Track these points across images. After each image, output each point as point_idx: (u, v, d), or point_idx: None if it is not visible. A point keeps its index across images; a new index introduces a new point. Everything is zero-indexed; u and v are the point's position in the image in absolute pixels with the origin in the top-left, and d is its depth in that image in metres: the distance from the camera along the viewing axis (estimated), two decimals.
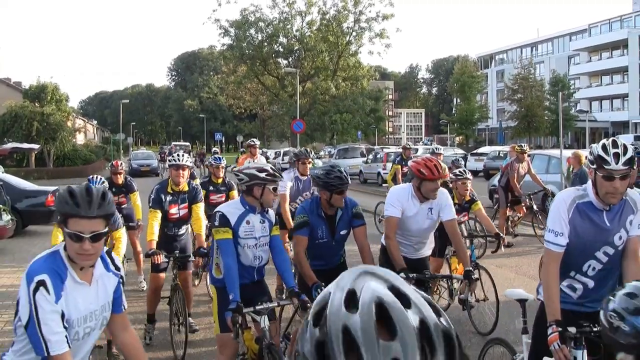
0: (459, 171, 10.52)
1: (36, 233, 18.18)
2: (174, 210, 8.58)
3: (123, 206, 11.76)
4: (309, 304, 5.48)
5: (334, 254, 6.84)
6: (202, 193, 9.25)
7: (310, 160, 10.41)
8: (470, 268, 6.77)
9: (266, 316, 5.66)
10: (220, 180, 11.24)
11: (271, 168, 5.93)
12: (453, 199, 9.16)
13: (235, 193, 11.05)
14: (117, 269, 3.77)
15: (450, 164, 14.21)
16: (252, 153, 15.63)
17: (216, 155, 12.15)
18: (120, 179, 11.94)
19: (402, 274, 5.90)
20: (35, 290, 3.24)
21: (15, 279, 12.17)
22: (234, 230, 5.78)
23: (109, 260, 3.74)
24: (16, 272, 12.74)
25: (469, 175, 10.40)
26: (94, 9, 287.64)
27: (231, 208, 5.97)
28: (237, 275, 5.61)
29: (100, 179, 7.58)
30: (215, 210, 6.06)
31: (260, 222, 5.94)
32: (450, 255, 9.79)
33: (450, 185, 10.31)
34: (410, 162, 6.54)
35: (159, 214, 8.30)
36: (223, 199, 10.79)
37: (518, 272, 12.46)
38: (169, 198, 8.52)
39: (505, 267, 12.72)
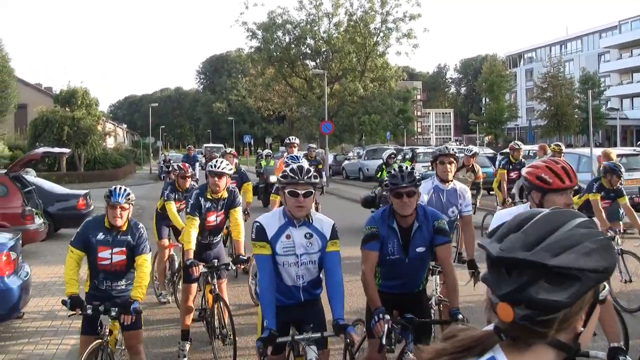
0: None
1: (68, 236, 18.22)
2: (211, 217, 8.05)
3: (181, 213, 10.97)
4: (356, 340, 4.80)
5: (411, 276, 5.73)
6: (239, 197, 8.62)
7: (454, 160, 7.57)
8: None
9: (313, 347, 4.97)
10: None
11: (291, 169, 5.04)
12: None
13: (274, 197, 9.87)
14: None
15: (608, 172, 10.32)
16: (289, 153, 13.43)
17: (293, 155, 10.98)
18: (187, 184, 10.91)
19: None
20: None
21: (47, 281, 12.31)
22: (271, 245, 5.04)
23: None
24: (48, 274, 12.89)
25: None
26: (124, 14, 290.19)
27: (272, 219, 5.16)
28: (273, 297, 4.92)
29: (125, 190, 6.43)
30: (255, 220, 5.24)
31: (305, 236, 5.10)
32: None
33: None
34: (525, 170, 4.63)
35: (197, 221, 7.76)
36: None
37: None
38: (207, 204, 7.97)
39: None
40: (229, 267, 8.03)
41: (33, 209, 15.52)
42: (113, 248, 6.35)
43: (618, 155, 16.23)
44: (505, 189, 14.04)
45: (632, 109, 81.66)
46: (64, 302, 6.16)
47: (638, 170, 20.01)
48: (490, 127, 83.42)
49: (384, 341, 4.99)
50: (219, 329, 7.82)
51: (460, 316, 5.20)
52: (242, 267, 8.78)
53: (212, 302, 7.91)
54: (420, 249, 5.52)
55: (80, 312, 6.11)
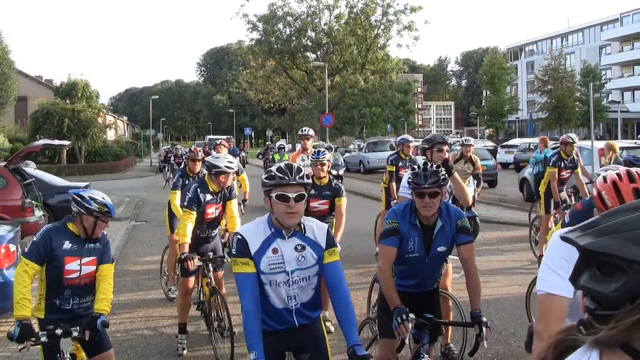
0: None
1: None
2: (211, 210, 7.95)
3: None
4: None
5: (428, 275, 5.45)
6: (235, 189, 8.57)
7: (447, 148, 7.73)
8: None
9: None
10: (325, 181, 8.89)
11: (278, 168, 4.15)
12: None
13: (343, 201, 8.85)
14: None
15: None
16: (303, 147, 12.38)
17: (319, 149, 9.43)
18: (198, 168, 10.49)
19: None
20: None
21: None
22: (254, 262, 4.14)
23: None
24: None
25: None
26: (124, 6, 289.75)
27: (255, 230, 4.24)
28: (259, 325, 4.08)
29: (107, 199, 5.59)
30: (236, 231, 4.43)
31: (296, 249, 4.20)
32: None
33: None
34: (599, 179, 3.50)
35: (194, 215, 7.66)
36: (326, 206, 8.91)
37: None
38: (208, 197, 7.85)
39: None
40: (225, 259, 7.98)
41: (33, 202, 15.49)
42: (82, 258, 5.45)
43: (620, 148, 16.08)
44: (557, 191, 12.01)
45: (633, 101, 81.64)
46: (9, 336, 5.02)
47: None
48: (491, 120, 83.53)
49: (407, 342, 4.83)
50: (217, 322, 7.79)
51: (483, 319, 4.82)
52: None
53: (209, 295, 7.90)
54: (441, 248, 5.25)
55: (33, 343, 5.03)
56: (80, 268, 5.43)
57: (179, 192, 10.05)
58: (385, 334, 5.28)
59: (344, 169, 27.11)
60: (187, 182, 10.24)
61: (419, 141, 44.64)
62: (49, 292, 5.46)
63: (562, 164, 12.26)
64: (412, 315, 4.79)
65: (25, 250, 5.39)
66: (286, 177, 4.06)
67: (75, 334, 5.13)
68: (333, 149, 27.66)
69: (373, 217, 14.58)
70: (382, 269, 5.13)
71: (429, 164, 5.13)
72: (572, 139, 12.54)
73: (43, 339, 5.06)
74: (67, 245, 5.40)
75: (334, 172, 23.30)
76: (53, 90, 55.29)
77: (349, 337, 4.12)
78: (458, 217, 5.25)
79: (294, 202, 4.05)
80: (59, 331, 5.10)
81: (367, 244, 13.79)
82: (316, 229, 4.31)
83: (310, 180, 4.27)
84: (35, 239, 5.43)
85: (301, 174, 4.12)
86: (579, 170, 12.38)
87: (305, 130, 12.48)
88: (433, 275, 5.52)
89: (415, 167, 5.19)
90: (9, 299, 8.50)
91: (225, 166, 7.68)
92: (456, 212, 5.32)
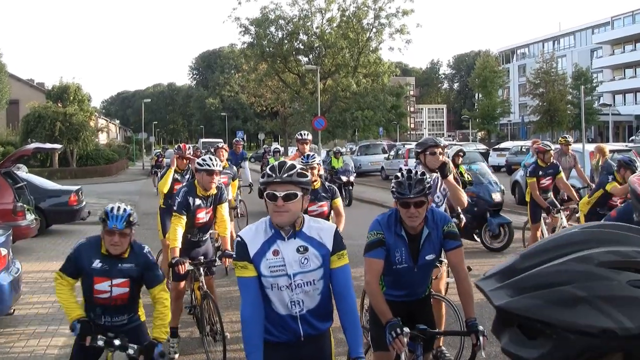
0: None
1: (59, 232, 18.29)
2: (201, 214, 7.95)
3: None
4: None
5: (418, 283, 5.30)
6: (227, 193, 8.66)
7: (442, 151, 7.56)
8: None
9: None
10: (317, 185, 8.44)
11: (271, 167, 4.02)
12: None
13: (339, 202, 8.72)
14: None
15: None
16: (301, 152, 11.59)
17: (309, 153, 9.21)
18: (184, 165, 10.92)
19: None
20: None
21: (39, 277, 12.25)
22: (255, 265, 3.97)
23: None
24: (40, 271, 12.83)
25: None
26: (116, 9, 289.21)
27: (255, 232, 4.07)
28: (259, 332, 3.94)
29: (125, 210, 5.26)
30: (238, 234, 4.19)
31: (298, 250, 4.00)
32: None
33: None
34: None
35: (184, 220, 7.63)
36: (325, 208, 8.50)
37: None
38: (197, 202, 7.85)
39: None
40: (215, 263, 7.96)
41: (24, 205, 15.45)
42: (113, 279, 5.16)
43: (610, 151, 16.11)
44: (541, 199, 11.83)
45: (624, 104, 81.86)
46: (72, 328, 5.08)
47: None
48: (483, 123, 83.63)
49: (404, 358, 4.65)
50: (209, 326, 7.78)
51: (480, 328, 4.67)
52: (228, 262, 8.58)
53: (201, 299, 7.88)
54: (430, 257, 5.10)
55: (90, 342, 4.97)
56: (111, 289, 5.18)
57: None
58: (378, 347, 5.12)
59: (355, 174, 26.80)
60: (176, 176, 10.87)
61: (410, 144, 44.77)
62: (86, 305, 5.32)
63: (541, 172, 12.07)
64: (406, 330, 4.57)
65: (62, 265, 5.31)
66: (273, 175, 3.93)
67: (131, 351, 4.99)
68: (342, 154, 27.51)
69: (365, 219, 14.54)
70: (370, 282, 4.94)
71: (414, 172, 4.90)
72: (549, 147, 12.35)
73: (100, 342, 4.98)
74: (97, 264, 5.18)
75: (344, 178, 23.49)
76: (45, 94, 55.07)
77: (353, 348, 4.00)
78: (444, 222, 5.10)
79: (282, 201, 3.89)
80: (117, 342, 5.00)
81: (359, 247, 13.76)
82: (323, 229, 4.11)
83: (305, 179, 4.02)
84: (69, 253, 5.32)
85: (291, 172, 3.94)
86: (561, 175, 12.29)
87: (304, 134, 11.85)
88: (424, 283, 5.39)
89: (399, 175, 4.95)
90: (0, 302, 8.51)
91: (198, 163, 7.82)
92: (442, 217, 5.18)
